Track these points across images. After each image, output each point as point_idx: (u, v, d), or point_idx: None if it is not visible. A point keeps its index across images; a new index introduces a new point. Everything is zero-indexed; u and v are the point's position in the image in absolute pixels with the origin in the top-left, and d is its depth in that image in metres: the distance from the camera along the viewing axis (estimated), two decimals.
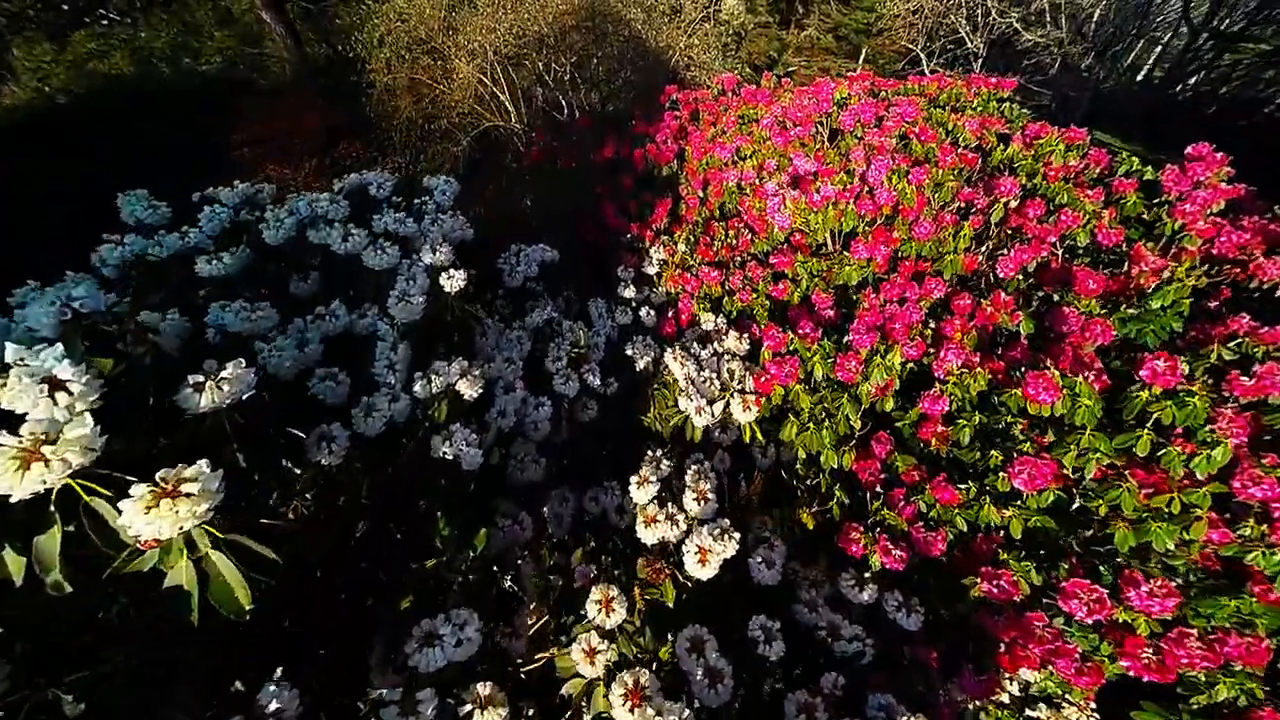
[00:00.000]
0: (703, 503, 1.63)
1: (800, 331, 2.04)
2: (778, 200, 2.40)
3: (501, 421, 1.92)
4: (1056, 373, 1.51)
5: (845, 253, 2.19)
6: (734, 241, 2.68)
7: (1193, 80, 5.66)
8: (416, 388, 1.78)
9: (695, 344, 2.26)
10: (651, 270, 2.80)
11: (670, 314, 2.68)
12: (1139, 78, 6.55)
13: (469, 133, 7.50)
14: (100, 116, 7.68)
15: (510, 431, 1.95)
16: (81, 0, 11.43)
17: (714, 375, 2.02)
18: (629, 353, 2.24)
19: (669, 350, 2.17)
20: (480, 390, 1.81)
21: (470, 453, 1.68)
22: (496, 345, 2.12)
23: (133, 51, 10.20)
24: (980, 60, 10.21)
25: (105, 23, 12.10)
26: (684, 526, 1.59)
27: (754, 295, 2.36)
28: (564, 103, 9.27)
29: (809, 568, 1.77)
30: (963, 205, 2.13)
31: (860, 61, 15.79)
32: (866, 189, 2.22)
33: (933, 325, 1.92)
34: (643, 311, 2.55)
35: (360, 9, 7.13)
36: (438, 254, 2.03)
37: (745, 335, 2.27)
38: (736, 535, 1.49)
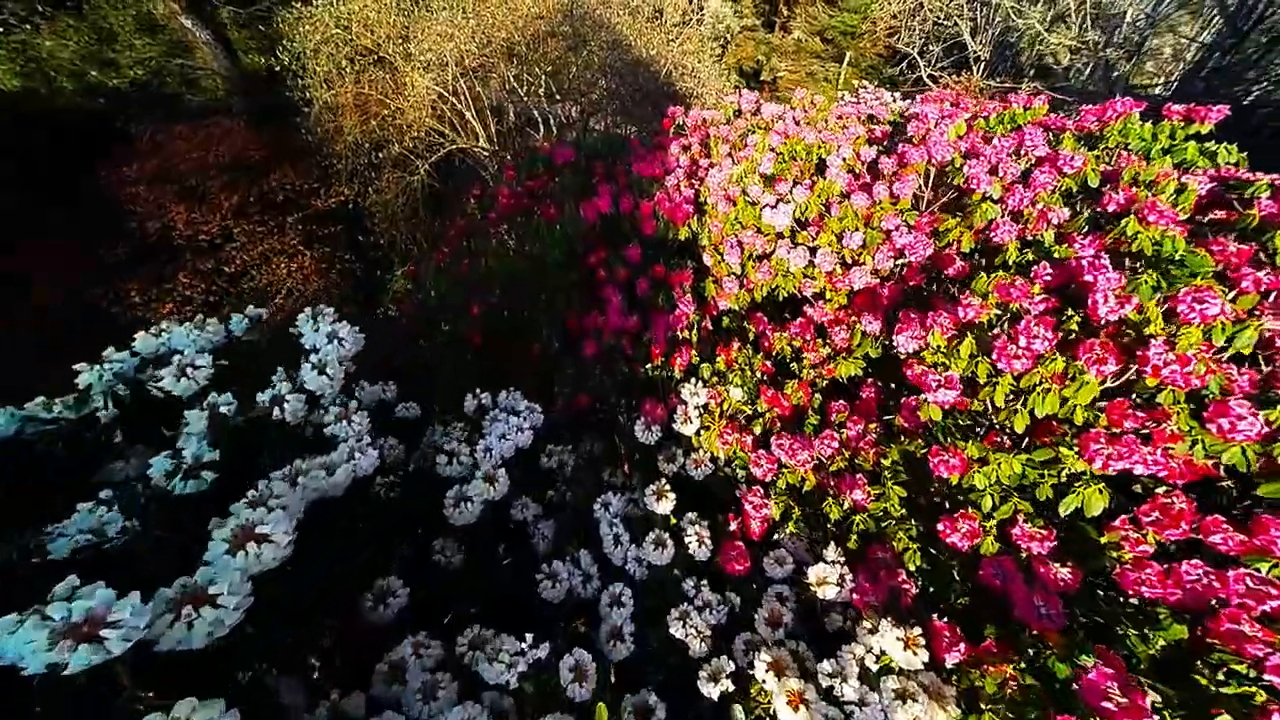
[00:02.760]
0: None
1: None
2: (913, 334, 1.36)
3: None
4: None
5: (1068, 447, 1.10)
6: (809, 368, 1.73)
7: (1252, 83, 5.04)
8: None
9: (788, 592, 1.22)
10: (688, 428, 1.65)
11: (734, 523, 1.53)
12: (1176, 79, 5.94)
13: (428, 157, 6.41)
14: None
15: None
16: None
17: None
18: (676, 636, 1.19)
19: (758, 654, 1.16)
20: None
21: None
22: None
23: (26, 63, 8.70)
24: (983, 64, 9.62)
25: (1, 30, 10.48)
26: None
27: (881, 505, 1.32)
28: (539, 118, 8.24)
29: None
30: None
31: (844, 65, 15.27)
32: (1069, 316, 1.17)
33: None
34: (689, 535, 1.45)
35: (292, 12, 5.99)
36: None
37: (908, 622, 1.13)
38: None
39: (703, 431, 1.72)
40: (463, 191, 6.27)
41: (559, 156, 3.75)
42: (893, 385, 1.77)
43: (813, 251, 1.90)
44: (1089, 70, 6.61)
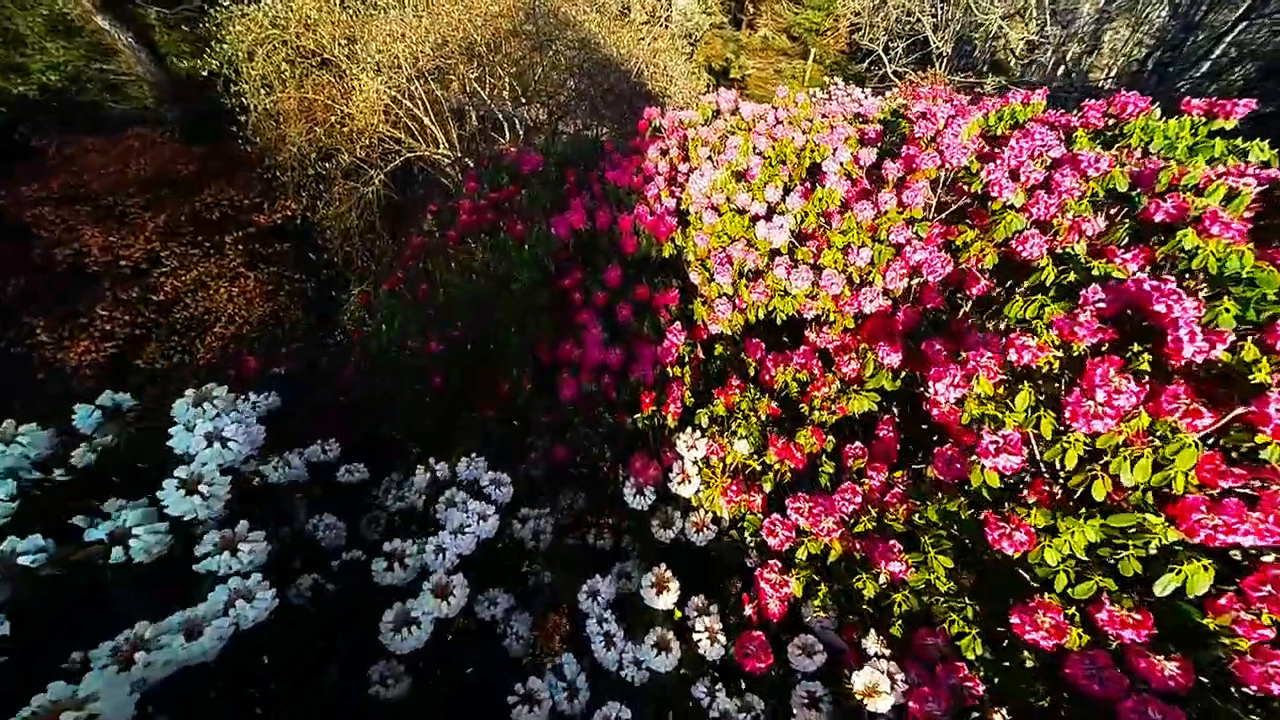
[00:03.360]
0: None
1: None
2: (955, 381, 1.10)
3: None
4: None
5: (1153, 513, 0.88)
6: (819, 404, 1.49)
7: (1199, 73, 5.18)
8: None
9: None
10: (687, 489, 1.39)
11: (749, 605, 1.28)
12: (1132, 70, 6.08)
13: (382, 166, 5.95)
14: None
15: None
16: None
17: None
18: None
19: None
20: None
21: None
22: None
23: None
24: (945, 60, 9.78)
25: None
26: None
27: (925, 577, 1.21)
28: (504, 121, 7.84)
29: None
30: None
31: (810, 61, 15.41)
32: (1135, 354, 0.94)
33: None
34: (698, 630, 1.19)
35: (220, 11, 5.42)
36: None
37: None
38: None
39: (704, 489, 1.47)
40: (422, 202, 5.86)
41: (526, 164, 3.43)
42: (909, 412, 1.56)
43: (816, 269, 1.67)
44: (1051, 65, 6.73)
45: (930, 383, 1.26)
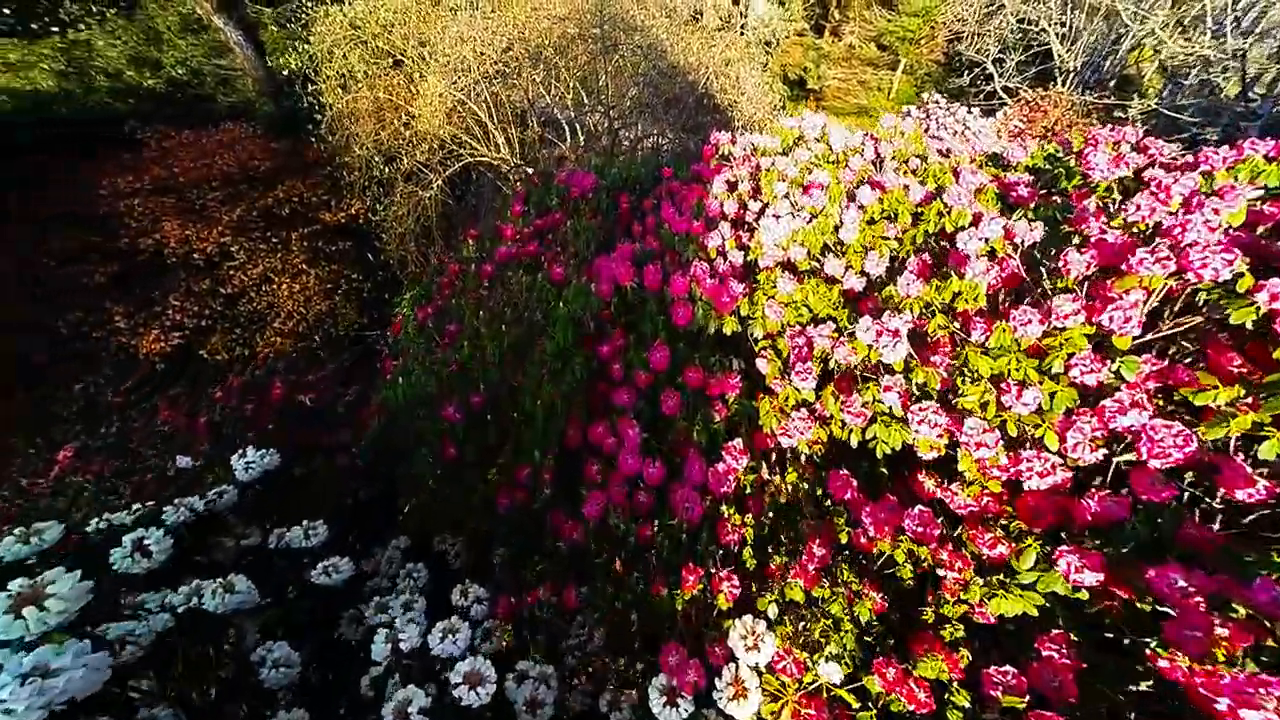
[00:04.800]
0: None
1: None
2: None
3: None
4: None
5: None
6: (950, 603, 1.02)
7: None
8: None
9: None
10: (741, 711, 0.94)
11: None
12: None
13: (441, 171, 5.93)
14: None
15: None
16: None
17: None
18: None
19: None
20: None
21: None
22: None
23: (69, 63, 8.76)
24: (1071, 76, 8.47)
25: (56, 29, 10.69)
26: None
27: None
28: (566, 125, 7.68)
29: None
30: None
31: (899, 73, 14.12)
32: None
33: None
34: None
35: (317, 10, 5.60)
36: None
37: None
38: None
39: (765, 705, 1.04)
40: (477, 211, 5.76)
41: (576, 187, 3.12)
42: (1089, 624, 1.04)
43: (945, 404, 1.19)
44: (1230, 82, 5.47)
45: (1165, 639, 0.77)
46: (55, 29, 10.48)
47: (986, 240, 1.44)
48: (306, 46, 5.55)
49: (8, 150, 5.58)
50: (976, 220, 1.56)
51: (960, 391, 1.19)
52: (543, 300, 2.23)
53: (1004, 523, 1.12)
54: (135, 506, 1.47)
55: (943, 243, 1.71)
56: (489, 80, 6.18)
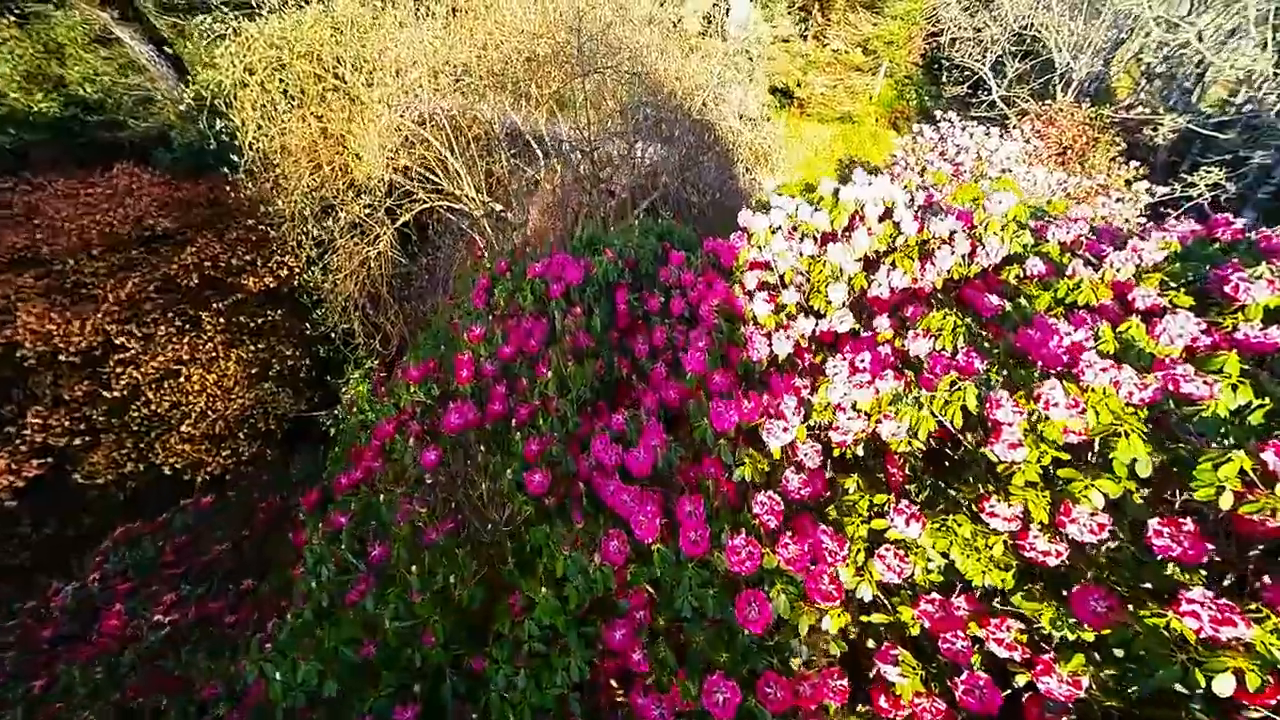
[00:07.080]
0: None
1: None
2: None
3: None
4: None
5: None
6: None
7: None
8: None
9: None
10: None
11: None
12: None
13: (392, 219, 4.95)
14: None
15: None
16: None
17: None
18: None
19: None
20: None
21: None
22: None
23: None
24: (1075, 86, 8.06)
25: None
26: None
27: None
28: (536, 147, 6.79)
29: None
30: None
31: (880, 77, 13.69)
32: None
33: None
34: None
35: (210, 28, 4.52)
36: None
37: None
38: None
39: None
40: (434, 271, 4.80)
41: (557, 284, 2.27)
42: None
43: None
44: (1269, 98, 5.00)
45: None
46: None
47: None
48: (209, 73, 4.48)
49: None
50: None
51: None
52: (514, 522, 1.39)
53: None
54: None
55: None
56: (445, 109, 5.22)
